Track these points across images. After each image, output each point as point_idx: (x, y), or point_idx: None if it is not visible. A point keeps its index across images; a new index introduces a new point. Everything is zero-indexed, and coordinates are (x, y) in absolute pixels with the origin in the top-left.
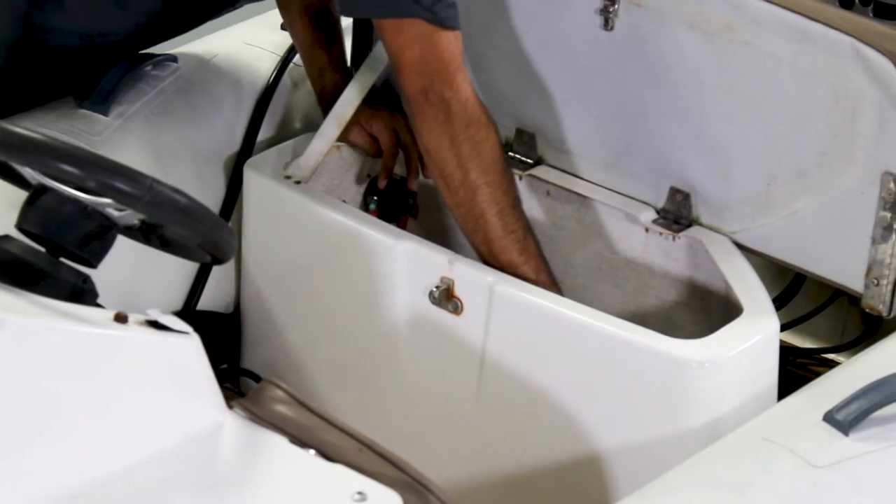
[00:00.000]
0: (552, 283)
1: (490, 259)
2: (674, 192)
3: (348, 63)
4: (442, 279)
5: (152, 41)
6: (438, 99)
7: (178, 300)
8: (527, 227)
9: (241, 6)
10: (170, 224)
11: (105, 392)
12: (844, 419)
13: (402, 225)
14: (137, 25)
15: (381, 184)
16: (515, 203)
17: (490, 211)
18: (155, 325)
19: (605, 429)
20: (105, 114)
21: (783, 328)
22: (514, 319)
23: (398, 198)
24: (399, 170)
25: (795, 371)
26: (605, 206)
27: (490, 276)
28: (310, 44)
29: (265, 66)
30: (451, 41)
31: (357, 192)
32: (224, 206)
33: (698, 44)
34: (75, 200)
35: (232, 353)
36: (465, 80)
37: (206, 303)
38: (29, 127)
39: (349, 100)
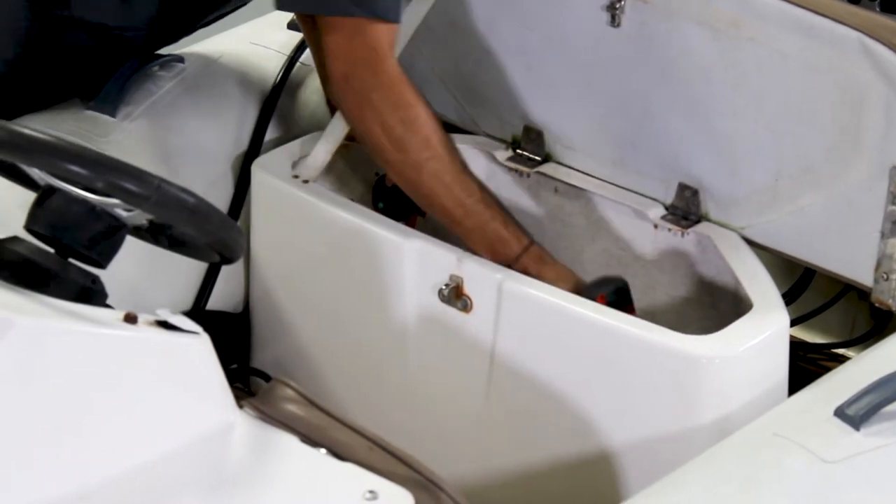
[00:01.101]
0: (522, 233)
1: (456, 228)
2: (682, 188)
3: None
4: (451, 277)
5: (159, 40)
6: (362, 85)
7: (188, 300)
8: (482, 187)
9: (246, 2)
10: (178, 224)
11: (115, 392)
12: (855, 414)
13: (410, 223)
14: (141, 20)
15: (389, 181)
16: (463, 168)
17: (440, 183)
18: (164, 325)
19: (615, 425)
20: (112, 114)
21: (793, 323)
22: (523, 317)
23: (406, 196)
24: None
25: (805, 366)
26: (613, 202)
27: (499, 274)
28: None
29: (272, 65)
30: (380, 31)
31: (365, 190)
32: (232, 206)
33: (705, 39)
34: (83, 201)
35: (242, 352)
36: (392, 65)
37: (215, 302)
38: (36, 128)
39: None
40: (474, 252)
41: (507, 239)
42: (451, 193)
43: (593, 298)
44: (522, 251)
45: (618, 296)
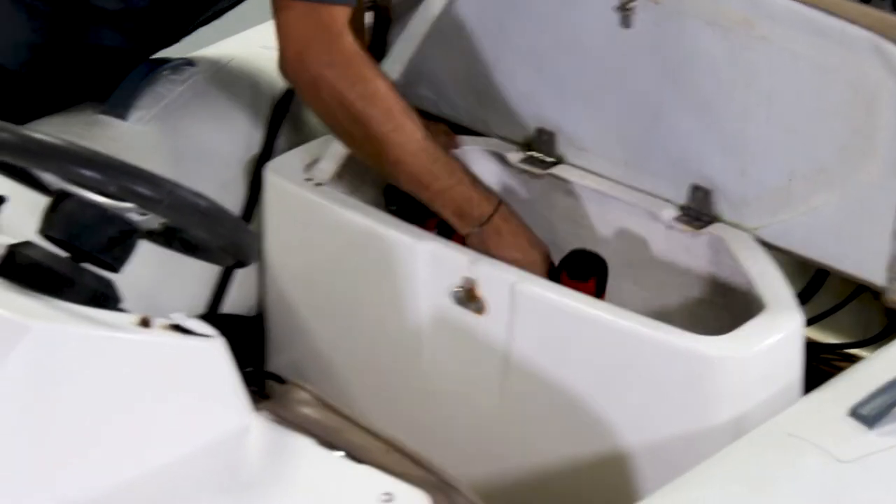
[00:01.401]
0: (492, 194)
1: (424, 193)
2: (694, 188)
3: None
4: (464, 279)
5: (164, 28)
6: (317, 64)
7: (202, 304)
8: (446, 152)
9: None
10: (191, 227)
11: (130, 397)
12: (869, 414)
13: (429, 228)
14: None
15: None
16: (425, 135)
17: (406, 152)
18: (179, 329)
19: (629, 426)
20: (124, 119)
21: (806, 323)
22: (537, 318)
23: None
24: None
25: (819, 366)
26: (625, 204)
27: (512, 276)
28: None
29: None
30: (334, 11)
31: (378, 193)
32: (245, 209)
33: (716, 40)
34: (97, 205)
35: (256, 355)
36: (348, 42)
37: (229, 306)
38: (49, 132)
39: None
40: (442, 216)
41: (476, 200)
42: (417, 161)
43: (559, 270)
44: (493, 211)
45: (581, 265)
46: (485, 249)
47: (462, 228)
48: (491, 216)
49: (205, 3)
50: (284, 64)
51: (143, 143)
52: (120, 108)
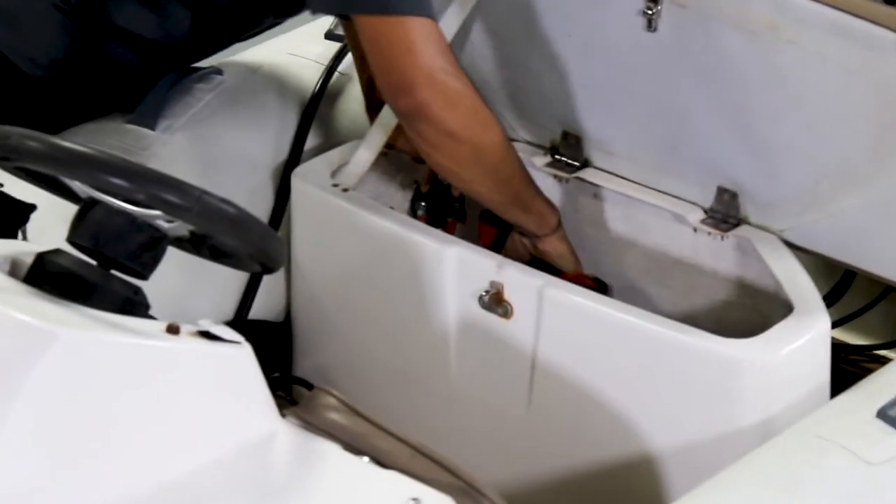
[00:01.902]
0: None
1: (511, 197)
2: (721, 191)
3: None
4: (491, 283)
5: (195, 54)
6: (414, 107)
7: (230, 310)
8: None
9: (277, 24)
10: (219, 234)
11: (158, 403)
12: None
13: (449, 229)
14: (174, 35)
15: (425, 188)
16: (525, 171)
17: (519, 198)
18: (207, 335)
19: (657, 430)
20: (152, 128)
21: (834, 325)
22: (564, 322)
23: (445, 202)
24: None
25: (847, 368)
26: (652, 206)
27: (539, 280)
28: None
29: (309, 75)
30: (416, 29)
31: (404, 198)
32: (273, 215)
33: (742, 43)
34: (125, 213)
35: (284, 361)
36: (450, 72)
37: (257, 312)
38: (77, 142)
39: None
40: (521, 219)
41: (548, 207)
42: (513, 162)
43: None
44: (557, 225)
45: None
46: (549, 252)
47: (539, 230)
48: (556, 228)
49: (237, 32)
50: (386, 101)
51: (172, 152)
52: (148, 118)
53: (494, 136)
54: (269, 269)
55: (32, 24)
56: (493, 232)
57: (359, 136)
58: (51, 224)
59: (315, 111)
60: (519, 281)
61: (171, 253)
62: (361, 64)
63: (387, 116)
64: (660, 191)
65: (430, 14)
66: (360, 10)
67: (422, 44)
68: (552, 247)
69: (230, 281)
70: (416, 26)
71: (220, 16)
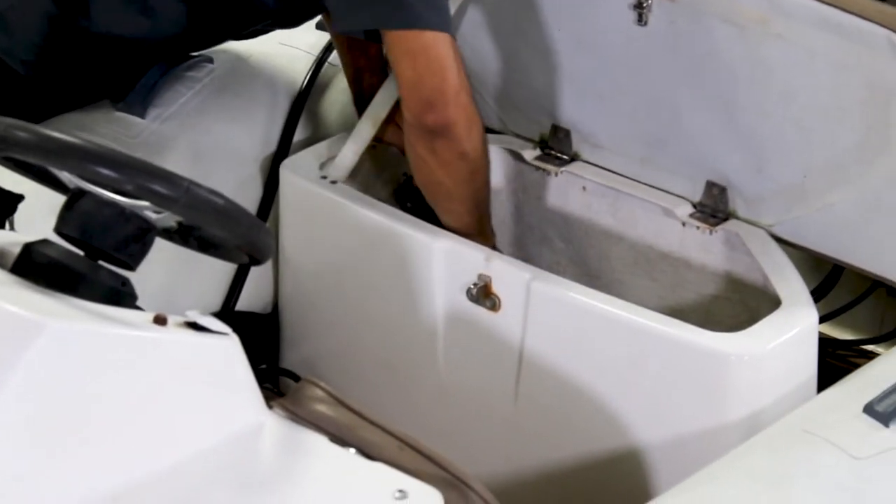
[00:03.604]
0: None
1: (476, 212)
2: (710, 185)
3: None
4: (479, 276)
5: (183, 50)
6: (443, 123)
7: (217, 301)
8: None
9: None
10: (207, 226)
11: (145, 394)
12: (885, 410)
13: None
14: (165, 36)
15: (405, 178)
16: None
17: (482, 221)
18: (194, 326)
19: (644, 423)
20: (142, 116)
21: (821, 320)
22: (551, 315)
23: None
24: None
25: (834, 363)
26: (641, 200)
27: (527, 273)
28: (348, 45)
29: (300, 66)
30: (447, 46)
31: (392, 191)
32: (261, 207)
33: (732, 38)
34: (113, 204)
35: (271, 353)
36: (470, 93)
37: (244, 303)
38: (66, 131)
39: (384, 100)
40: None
41: (491, 239)
42: (489, 183)
43: None
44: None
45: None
46: None
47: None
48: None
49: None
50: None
51: (161, 141)
52: (137, 107)
53: (488, 161)
54: (257, 261)
55: (19, 22)
56: None
57: (347, 128)
58: (38, 214)
59: (304, 103)
60: (507, 274)
61: (160, 244)
62: (347, 58)
63: (375, 109)
64: (649, 185)
65: (453, 32)
66: (392, 25)
67: (451, 62)
68: None
69: (218, 273)
70: (446, 43)
71: (213, 19)
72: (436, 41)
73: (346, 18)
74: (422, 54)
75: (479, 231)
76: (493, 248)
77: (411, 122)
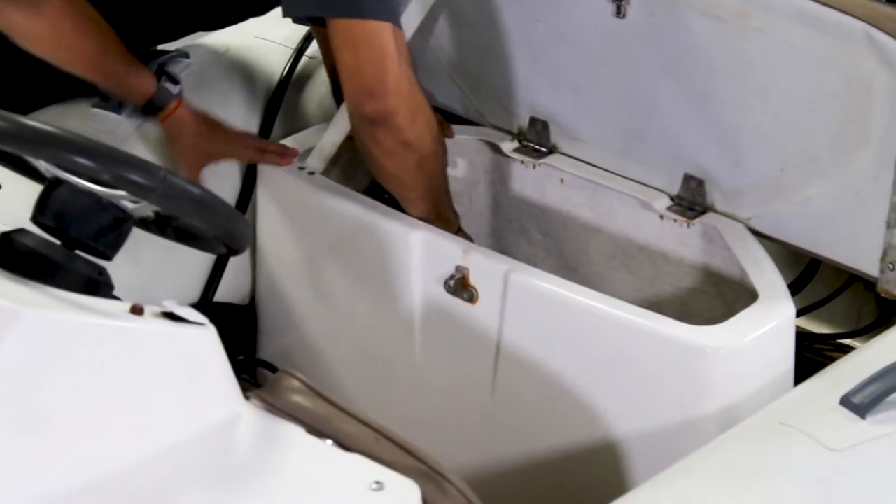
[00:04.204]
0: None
1: (432, 197)
2: (688, 178)
3: None
4: (457, 268)
5: (153, 42)
6: (382, 112)
7: (195, 292)
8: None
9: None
10: (184, 216)
11: (121, 384)
12: (861, 402)
13: None
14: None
15: None
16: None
17: (438, 205)
18: (171, 316)
19: (621, 416)
20: (117, 111)
21: (799, 314)
22: (529, 308)
23: None
24: None
25: (811, 357)
26: (619, 193)
27: (505, 265)
28: (326, 34)
29: (277, 58)
30: (388, 35)
31: (370, 182)
32: (240, 199)
33: (711, 30)
34: (90, 193)
35: (248, 344)
36: (413, 81)
37: (222, 295)
38: (43, 120)
39: None
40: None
41: (453, 218)
42: (444, 169)
43: None
44: (457, 230)
45: None
46: None
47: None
48: (458, 231)
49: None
50: (348, 105)
51: (137, 136)
52: (113, 102)
53: (438, 147)
54: (234, 251)
55: None
56: None
57: (326, 120)
58: (15, 203)
59: (283, 95)
60: (484, 266)
61: (138, 234)
62: (327, 49)
63: None
64: (626, 177)
65: (399, 22)
66: (335, 13)
67: (393, 51)
68: None
69: (196, 264)
70: (388, 32)
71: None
72: (378, 30)
73: (292, 4)
74: (363, 43)
75: (437, 216)
76: (458, 231)
77: (352, 111)
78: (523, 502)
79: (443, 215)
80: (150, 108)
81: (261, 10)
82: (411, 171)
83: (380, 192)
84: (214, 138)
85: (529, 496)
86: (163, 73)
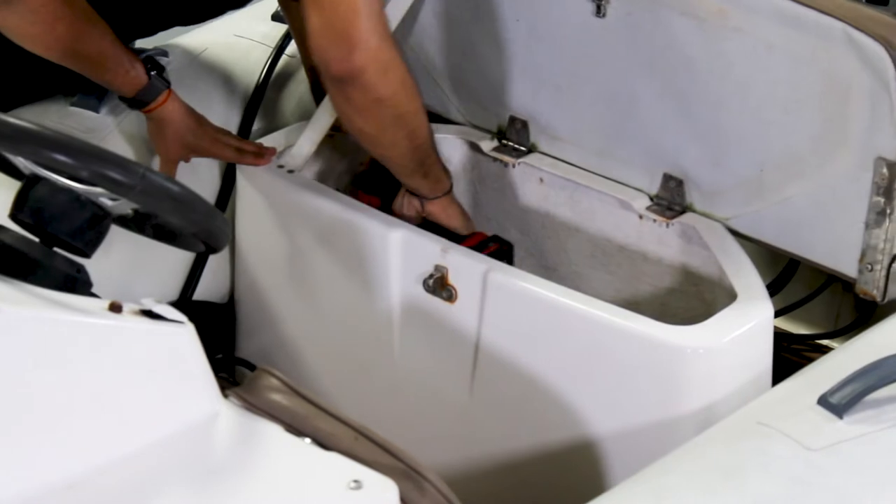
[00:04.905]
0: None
1: (417, 157)
2: (667, 178)
3: None
4: (436, 267)
5: (129, 37)
6: (349, 70)
7: (174, 290)
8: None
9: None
10: (163, 213)
11: (99, 382)
12: (839, 402)
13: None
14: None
15: (362, 167)
16: (432, 136)
17: (423, 163)
18: (149, 314)
19: (599, 415)
20: (96, 110)
21: (777, 314)
22: (507, 307)
23: (388, 185)
24: None
25: (789, 357)
26: (598, 193)
27: (484, 264)
28: (298, 15)
29: (256, 56)
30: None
31: (350, 180)
32: (219, 197)
33: (690, 30)
34: (68, 190)
35: (227, 342)
36: (385, 38)
37: (201, 293)
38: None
39: None
40: (416, 182)
41: (444, 173)
42: (426, 128)
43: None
44: (449, 189)
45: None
46: (438, 214)
47: (432, 193)
48: (451, 189)
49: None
50: (317, 65)
51: (116, 134)
52: (92, 100)
53: (416, 104)
54: (213, 249)
55: None
56: (376, 201)
57: (305, 118)
58: None
59: (262, 94)
60: (463, 265)
61: (117, 232)
62: (306, 46)
63: None
64: (605, 177)
65: None
66: None
67: (364, 6)
68: (441, 209)
69: (175, 262)
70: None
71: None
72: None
73: None
74: (328, 1)
75: (425, 175)
76: (448, 192)
77: (322, 70)
78: (501, 501)
79: (430, 174)
80: (137, 101)
81: (239, 3)
82: (389, 129)
83: (364, 188)
84: (198, 134)
85: (508, 495)
86: (152, 65)
